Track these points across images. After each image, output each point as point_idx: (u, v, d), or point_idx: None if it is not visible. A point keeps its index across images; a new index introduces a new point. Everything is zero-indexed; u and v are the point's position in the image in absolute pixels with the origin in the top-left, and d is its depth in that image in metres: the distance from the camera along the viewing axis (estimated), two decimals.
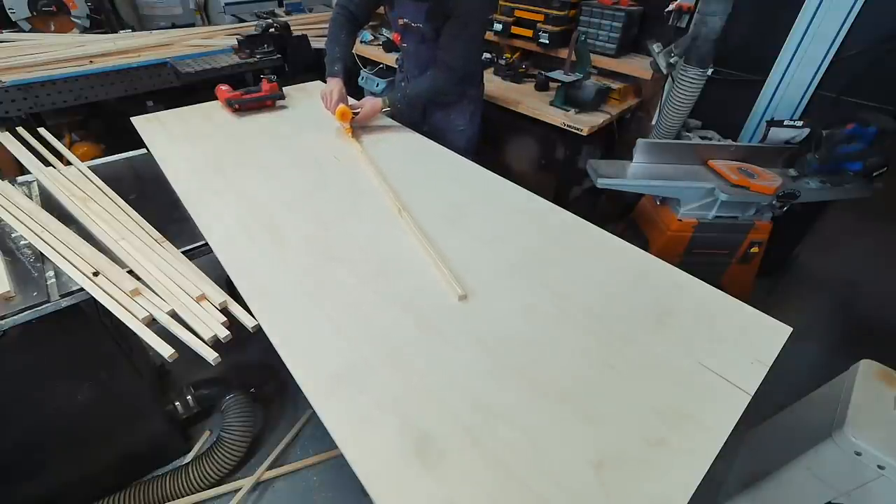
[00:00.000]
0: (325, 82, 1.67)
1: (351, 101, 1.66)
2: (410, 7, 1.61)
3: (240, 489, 1.46)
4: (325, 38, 1.73)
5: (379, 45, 2.95)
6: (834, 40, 1.83)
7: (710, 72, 1.91)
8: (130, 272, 1.04)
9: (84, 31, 2.92)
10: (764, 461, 1.25)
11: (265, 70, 2.75)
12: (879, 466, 0.99)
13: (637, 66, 2.28)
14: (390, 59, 2.85)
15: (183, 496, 1.43)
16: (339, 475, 1.54)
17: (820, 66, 1.89)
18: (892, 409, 1.06)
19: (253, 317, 0.92)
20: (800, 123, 1.81)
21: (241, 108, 1.73)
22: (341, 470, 1.54)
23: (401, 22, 1.66)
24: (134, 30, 2.94)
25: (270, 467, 1.53)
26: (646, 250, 1.11)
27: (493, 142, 2.58)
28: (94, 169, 1.39)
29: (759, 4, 1.96)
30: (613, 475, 0.66)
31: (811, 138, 1.79)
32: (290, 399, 1.76)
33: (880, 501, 1.03)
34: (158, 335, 0.92)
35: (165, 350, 0.90)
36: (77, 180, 1.32)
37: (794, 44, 1.91)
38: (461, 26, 1.52)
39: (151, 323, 0.94)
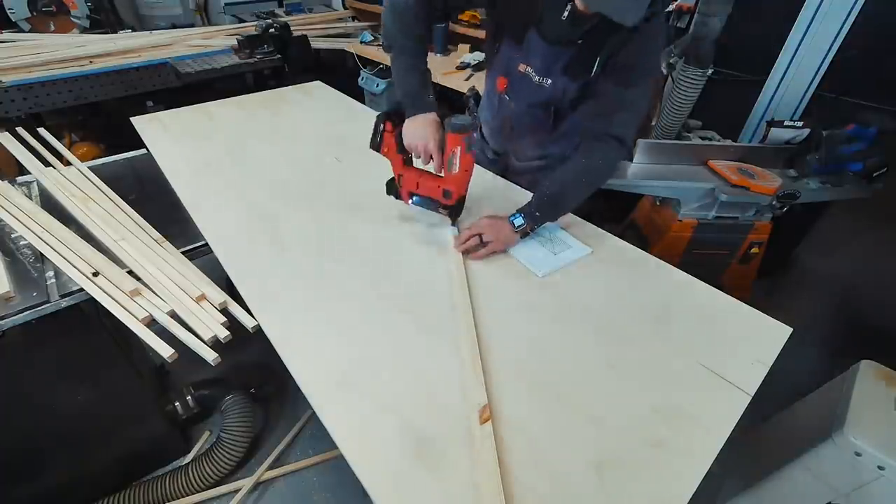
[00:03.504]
0: (326, 82, 1.60)
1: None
2: (541, 50, 1.07)
3: (240, 489, 1.45)
4: (388, 53, 1.19)
5: (379, 45, 2.95)
6: (834, 41, 1.83)
7: (710, 72, 1.91)
8: (130, 272, 1.04)
9: (84, 31, 2.92)
10: (764, 461, 1.25)
11: (266, 70, 2.75)
12: (879, 467, 0.99)
13: None
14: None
15: (183, 496, 1.42)
16: (339, 475, 1.54)
17: (820, 66, 1.89)
18: (892, 409, 1.06)
19: (253, 317, 0.92)
20: (800, 124, 1.81)
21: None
22: (341, 470, 1.54)
23: (520, 69, 1.14)
24: (134, 30, 2.94)
25: (270, 467, 1.53)
26: (645, 250, 1.11)
27: (504, 175, 2.57)
28: (94, 169, 1.39)
29: (759, 5, 1.96)
30: (614, 475, 0.66)
31: (811, 139, 1.79)
32: (289, 399, 1.76)
33: (880, 502, 1.03)
34: (158, 335, 0.92)
35: (165, 350, 0.90)
36: (77, 180, 1.32)
37: (794, 44, 1.91)
38: (638, 78, 1.00)
39: (151, 323, 0.95)
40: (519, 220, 1.04)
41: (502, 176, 1.40)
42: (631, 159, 1.27)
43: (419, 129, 1.03)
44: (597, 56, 1.01)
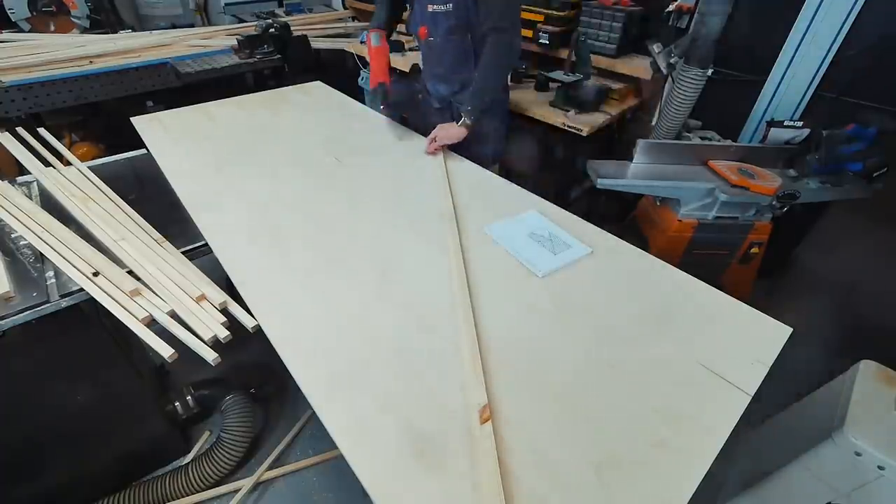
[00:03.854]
0: (326, 82, 1.67)
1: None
2: None
3: (240, 489, 1.45)
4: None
5: None
6: (834, 41, 1.83)
7: (710, 72, 1.91)
8: (130, 272, 1.04)
9: (84, 31, 2.92)
10: (764, 461, 1.25)
11: (266, 70, 2.76)
12: (879, 467, 0.99)
13: (637, 67, 2.28)
14: (391, 59, 2.83)
15: (183, 496, 1.42)
16: (338, 475, 1.54)
17: (820, 66, 1.89)
18: (892, 409, 1.06)
19: (252, 317, 0.92)
20: (800, 124, 1.81)
21: None
22: (341, 470, 1.54)
23: (430, 9, 1.46)
24: (134, 30, 2.94)
25: (270, 467, 1.53)
26: (646, 250, 1.11)
27: (452, 119, 2.56)
28: (94, 169, 1.39)
29: (759, 5, 1.96)
30: (614, 475, 0.66)
31: (811, 139, 1.79)
32: (289, 399, 1.76)
33: (880, 502, 1.03)
34: (158, 335, 0.92)
35: (165, 350, 0.90)
36: (77, 180, 1.32)
37: (794, 44, 1.91)
38: None
39: (151, 323, 0.94)
40: (459, 117, 1.46)
41: (453, 119, 1.58)
42: (512, 37, 1.40)
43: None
44: None
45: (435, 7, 1.44)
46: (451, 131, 1.46)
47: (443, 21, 1.45)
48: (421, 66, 1.78)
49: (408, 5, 1.58)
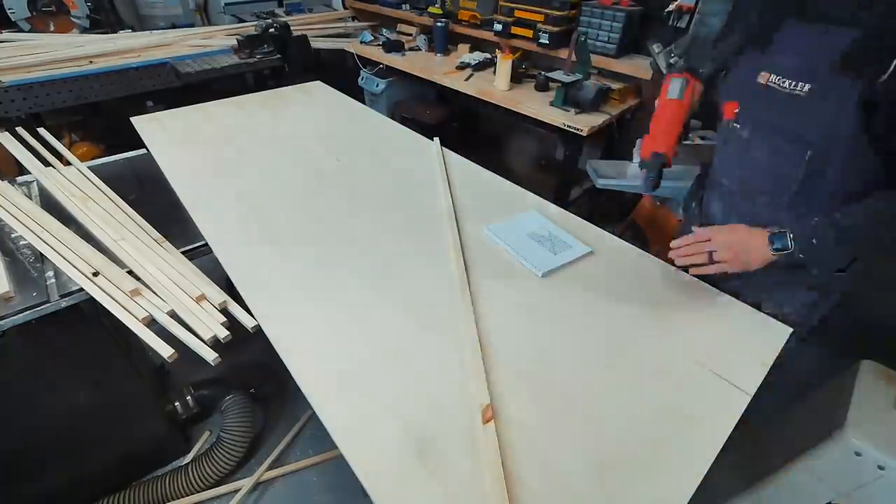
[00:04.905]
0: (326, 82, 1.57)
1: None
2: (799, 40, 0.74)
3: (239, 489, 1.45)
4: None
5: (379, 45, 2.95)
6: None
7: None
8: (130, 272, 1.04)
9: (84, 31, 2.92)
10: (763, 462, 1.25)
11: (266, 70, 2.76)
12: (880, 467, 0.99)
13: (637, 66, 2.28)
14: (391, 59, 2.83)
15: (183, 496, 1.42)
16: (338, 475, 1.54)
17: None
18: (892, 409, 1.06)
19: (252, 317, 0.92)
20: None
21: None
22: (341, 470, 1.54)
23: (761, 80, 0.79)
24: (134, 30, 2.94)
25: (270, 468, 1.53)
26: (646, 250, 1.11)
27: (494, 142, 2.58)
28: (93, 169, 1.39)
29: None
30: (614, 475, 0.66)
31: None
32: (289, 399, 1.76)
33: (881, 502, 1.03)
34: (158, 335, 0.92)
35: (165, 350, 0.90)
36: (77, 180, 1.32)
37: None
38: None
39: (151, 323, 0.94)
40: (783, 244, 0.73)
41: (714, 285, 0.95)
42: None
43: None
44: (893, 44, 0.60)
45: (773, 80, 0.77)
46: (752, 249, 0.78)
47: (780, 107, 0.76)
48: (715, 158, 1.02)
49: (712, 64, 0.95)
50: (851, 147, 0.70)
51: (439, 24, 2.75)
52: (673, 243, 0.83)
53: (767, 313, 0.89)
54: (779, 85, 0.75)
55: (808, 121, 0.72)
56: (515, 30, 2.55)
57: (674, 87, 0.91)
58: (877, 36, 0.61)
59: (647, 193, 0.97)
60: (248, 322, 0.93)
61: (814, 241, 0.72)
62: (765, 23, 0.77)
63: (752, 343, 0.87)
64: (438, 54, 2.85)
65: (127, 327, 0.92)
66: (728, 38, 0.84)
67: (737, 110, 0.86)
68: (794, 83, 0.73)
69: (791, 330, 0.90)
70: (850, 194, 0.74)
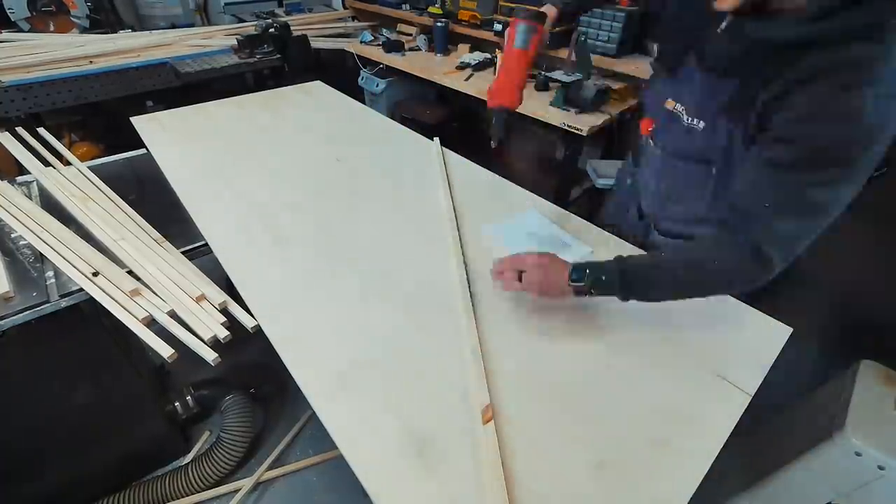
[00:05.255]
0: (326, 82, 1.56)
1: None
2: (696, 82, 0.82)
3: (240, 489, 1.45)
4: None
5: (379, 45, 2.95)
6: None
7: None
8: (130, 272, 1.04)
9: (84, 31, 2.92)
10: (764, 462, 1.25)
11: (266, 70, 2.76)
12: (879, 467, 0.99)
13: (637, 66, 2.28)
14: (391, 59, 2.84)
15: (183, 497, 1.42)
16: (339, 475, 1.54)
17: None
18: (891, 409, 1.06)
19: (252, 317, 0.92)
20: None
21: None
22: (341, 470, 1.53)
23: (667, 106, 0.89)
24: (134, 30, 2.94)
25: (270, 467, 1.53)
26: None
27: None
28: (93, 169, 1.39)
29: None
30: (613, 476, 0.66)
31: None
32: (289, 399, 1.76)
33: (881, 502, 1.03)
34: (158, 335, 0.92)
35: (165, 350, 0.90)
36: (77, 180, 1.32)
37: None
38: (807, 159, 0.65)
39: (151, 323, 0.94)
40: (580, 275, 0.78)
41: (641, 247, 1.07)
42: (768, 280, 0.77)
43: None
44: (761, 98, 0.69)
45: (677, 108, 0.87)
46: (552, 282, 0.82)
47: (681, 136, 0.87)
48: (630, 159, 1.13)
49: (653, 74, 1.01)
50: (714, 169, 0.85)
51: (439, 24, 2.74)
52: (495, 261, 0.89)
53: None
54: (682, 116, 0.86)
55: (707, 148, 0.83)
56: None
57: (519, 37, 0.87)
58: (751, 85, 0.71)
59: (494, 144, 0.98)
60: (249, 322, 0.93)
61: (602, 278, 0.78)
62: (675, 55, 0.86)
63: (752, 343, 0.88)
64: (438, 54, 2.85)
65: (127, 327, 0.92)
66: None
67: (651, 129, 0.96)
68: (692, 119, 0.84)
69: (791, 330, 0.90)
70: None
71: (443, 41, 2.82)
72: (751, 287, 0.76)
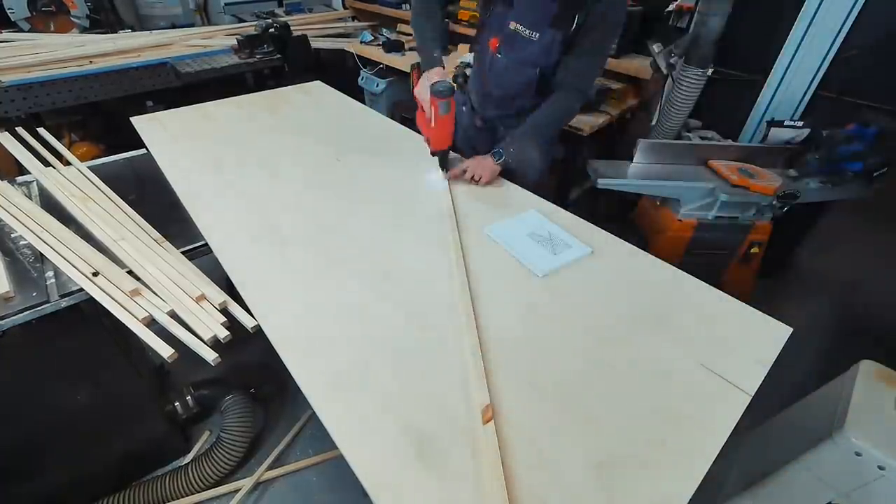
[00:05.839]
0: (326, 82, 1.60)
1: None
2: (529, 6, 1.24)
3: (240, 489, 1.45)
4: (413, 31, 1.47)
5: (379, 45, 2.95)
6: (834, 40, 1.83)
7: (710, 72, 1.91)
8: (130, 272, 1.04)
9: (84, 31, 2.92)
10: (764, 462, 1.25)
11: (266, 70, 2.76)
12: (880, 467, 0.99)
13: (637, 66, 2.28)
14: (391, 59, 2.84)
15: (183, 497, 1.42)
16: (339, 475, 1.54)
17: (820, 66, 1.89)
18: (892, 409, 1.06)
19: (253, 317, 0.91)
20: (800, 124, 1.81)
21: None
22: (341, 470, 1.54)
23: (511, 27, 1.28)
24: (133, 30, 2.94)
25: (270, 467, 1.53)
26: (645, 250, 1.11)
27: (493, 142, 2.55)
28: (93, 169, 1.39)
29: (760, 4, 1.96)
30: (613, 475, 0.66)
31: (811, 139, 1.79)
32: (289, 399, 1.76)
33: (881, 502, 1.03)
34: (158, 335, 0.92)
35: (165, 350, 0.90)
36: (77, 180, 1.32)
37: (795, 44, 1.91)
38: (604, 36, 1.22)
39: (151, 323, 0.94)
40: (500, 154, 1.30)
41: (495, 141, 1.47)
42: (586, 102, 1.33)
43: (423, 84, 1.23)
44: (576, 11, 1.17)
45: (518, 27, 1.28)
46: (486, 167, 1.29)
47: (522, 46, 1.29)
48: (468, 77, 1.60)
49: (480, 12, 1.40)
50: (556, 66, 1.30)
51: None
52: (450, 173, 1.31)
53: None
54: (521, 31, 1.26)
55: (539, 53, 1.27)
56: None
57: (442, 108, 1.18)
58: (566, 7, 1.18)
59: (444, 184, 1.32)
60: (249, 322, 0.93)
61: (511, 149, 1.29)
62: None
63: (752, 343, 0.87)
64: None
65: (127, 327, 0.92)
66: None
67: (498, 45, 1.35)
68: (530, 32, 1.25)
69: (791, 330, 0.90)
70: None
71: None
72: (576, 111, 1.39)
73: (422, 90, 1.22)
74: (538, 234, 1.13)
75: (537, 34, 1.24)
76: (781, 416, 1.37)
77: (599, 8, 1.15)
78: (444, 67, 1.29)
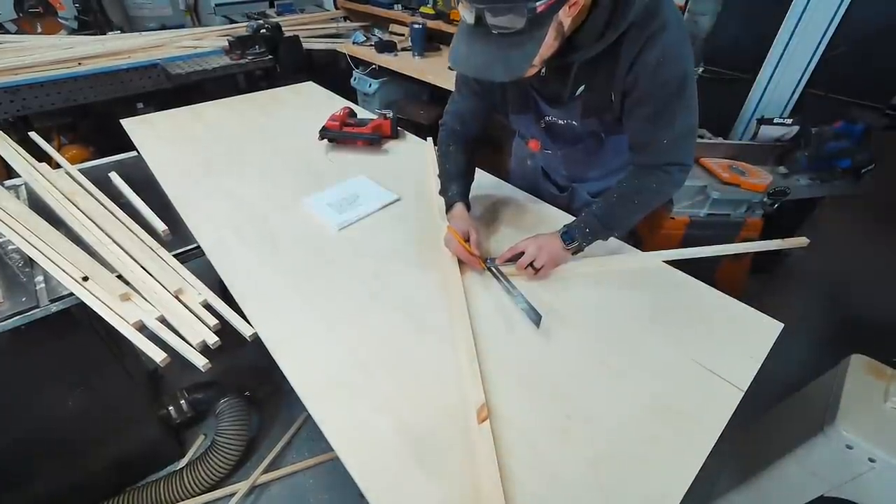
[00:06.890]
0: (318, 82, 1.59)
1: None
2: (552, 109, 1.03)
3: (235, 493, 1.44)
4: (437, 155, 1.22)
5: (371, 45, 2.94)
6: (822, 39, 1.85)
7: (700, 70, 1.93)
8: (120, 276, 1.02)
9: (72, 32, 2.89)
10: (756, 456, 1.26)
11: (257, 71, 2.74)
12: (870, 459, 1.00)
13: None
14: (383, 59, 2.83)
15: (178, 501, 1.41)
16: (335, 478, 1.53)
17: (808, 64, 1.91)
18: (882, 402, 1.07)
19: (248, 323, 0.90)
20: (789, 121, 1.84)
21: (334, 141, 1.50)
22: (337, 472, 1.53)
23: (546, 120, 1.07)
24: (123, 31, 2.91)
25: (266, 471, 1.52)
26: (638, 248, 1.12)
27: (494, 143, 2.56)
28: (83, 171, 1.38)
29: (748, 4, 1.98)
30: (609, 472, 0.67)
31: (801, 136, 1.81)
32: (284, 402, 1.75)
33: (872, 494, 1.04)
34: (151, 340, 0.91)
35: (157, 355, 0.89)
36: (66, 183, 1.31)
37: (783, 42, 1.93)
38: (665, 104, 0.88)
39: (143, 328, 0.93)
40: (570, 238, 0.98)
41: (568, 210, 1.26)
42: (685, 174, 0.99)
43: (449, 240, 1.05)
44: (609, 92, 0.91)
45: (550, 119, 1.06)
46: (555, 254, 0.99)
47: (565, 132, 1.07)
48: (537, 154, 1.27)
49: (503, 116, 1.15)
50: (604, 138, 1.07)
51: (416, 25, 2.73)
52: (498, 261, 1.04)
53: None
54: (557, 121, 1.05)
55: (581, 132, 1.05)
56: None
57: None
58: (591, 100, 0.95)
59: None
60: (246, 330, 0.90)
61: (587, 231, 0.99)
62: (524, 104, 1.06)
63: (744, 339, 0.88)
64: (416, 56, 2.82)
65: (119, 332, 0.91)
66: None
67: (541, 144, 1.16)
68: (566, 121, 1.03)
69: (782, 325, 0.91)
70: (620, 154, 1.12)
71: (420, 43, 2.80)
72: (675, 191, 1.01)
73: (448, 243, 1.05)
74: (348, 197, 1.23)
75: (573, 122, 1.02)
76: (773, 410, 1.39)
77: (646, 68, 0.83)
78: (466, 203, 1.11)
